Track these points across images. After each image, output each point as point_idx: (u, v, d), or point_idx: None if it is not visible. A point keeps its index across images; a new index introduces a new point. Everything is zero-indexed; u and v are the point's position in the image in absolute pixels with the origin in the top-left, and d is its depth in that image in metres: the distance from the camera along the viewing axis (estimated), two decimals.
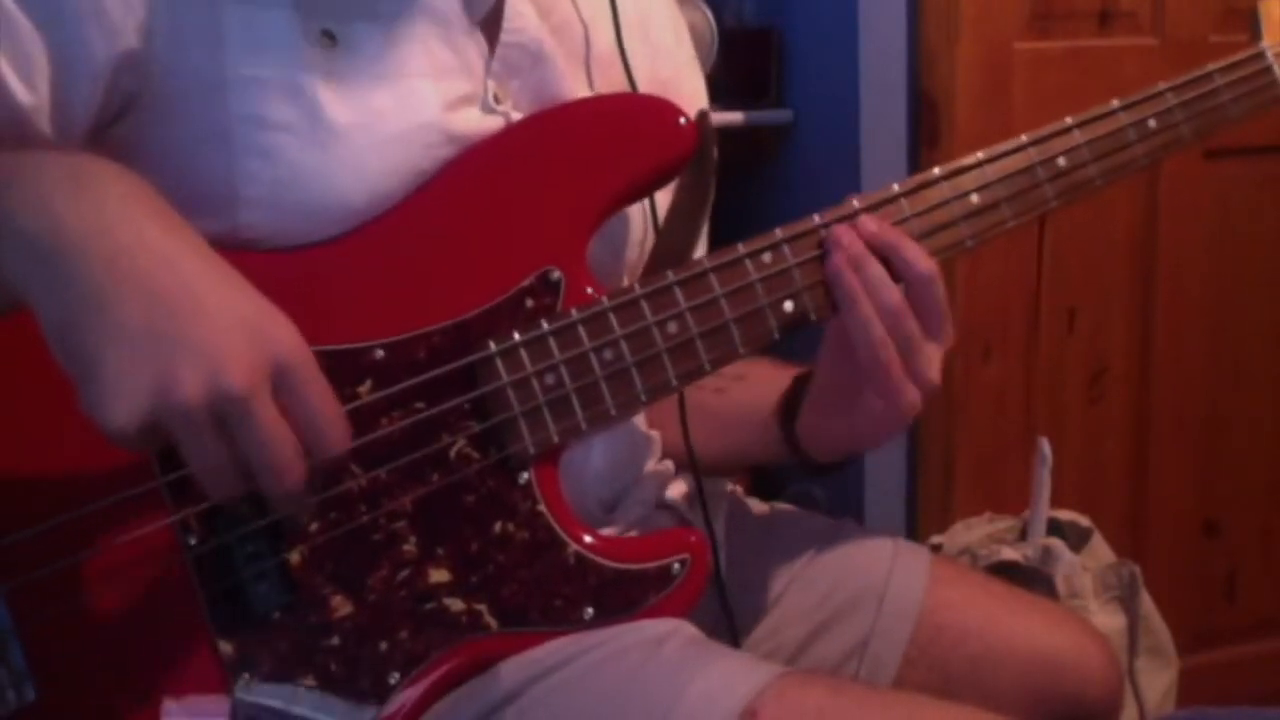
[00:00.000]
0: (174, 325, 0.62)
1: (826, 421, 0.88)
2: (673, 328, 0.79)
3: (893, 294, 0.80)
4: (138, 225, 0.65)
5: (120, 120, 0.74)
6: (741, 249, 0.81)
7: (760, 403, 0.94)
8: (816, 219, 0.83)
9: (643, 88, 0.89)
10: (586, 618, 0.78)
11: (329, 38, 0.76)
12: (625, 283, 0.89)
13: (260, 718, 0.62)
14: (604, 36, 0.88)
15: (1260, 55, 0.96)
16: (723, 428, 0.94)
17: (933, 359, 0.81)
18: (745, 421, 0.94)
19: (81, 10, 0.71)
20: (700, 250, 0.93)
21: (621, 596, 0.78)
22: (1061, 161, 0.88)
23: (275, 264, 0.75)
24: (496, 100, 0.82)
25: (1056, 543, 1.54)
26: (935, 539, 1.68)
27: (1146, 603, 1.53)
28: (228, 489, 0.65)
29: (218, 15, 0.73)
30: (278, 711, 0.62)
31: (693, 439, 0.91)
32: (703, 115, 0.83)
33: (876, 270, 0.80)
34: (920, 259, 0.81)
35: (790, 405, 0.91)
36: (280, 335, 0.65)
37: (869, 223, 0.82)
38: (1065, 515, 1.62)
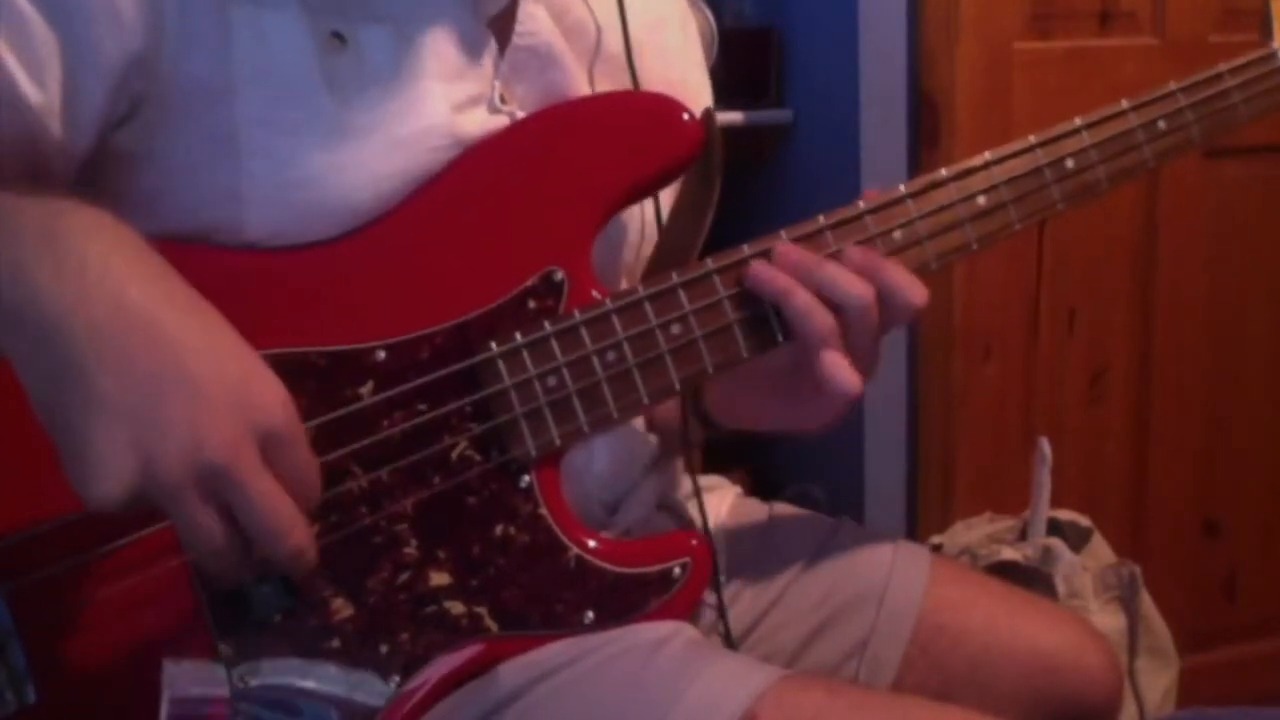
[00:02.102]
0: (155, 399, 0.61)
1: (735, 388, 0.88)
2: (676, 330, 0.79)
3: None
4: (119, 289, 0.63)
5: (127, 123, 0.74)
6: (746, 250, 0.81)
7: None
8: (821, 220, 0.82)
9: (652, 88, 0.88)
10: (586, 622, 0.77)
11: (339, 39, 0.75)
12: (623, 285, 0.89)
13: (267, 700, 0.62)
14: (617, 37, 0.88)
15: (1271, 56, 0.95)
16: None
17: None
18: None
19: (94, 10, 0.70)
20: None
21: (622, 601, 0.78)
22: (1069, 163, 0.87)
23: (278, 264, 0.75)
24: (503, 100, 0.82)
25: (1056, 543, 1.54)
26: (935, 539, 1.67)
27: (1146, 603, 1.53)
28: (229, 563, 0.64)
29: (226, 16, 0.72)
30: (281, 688, 0.62)
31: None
32: (708, 114, 0.82)
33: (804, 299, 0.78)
34: (853, 286, 0.78)
35: None
36: (265, 399, 0.64)
37: (789, 253, 0.80)
38: (1065, 515, 1.62)
